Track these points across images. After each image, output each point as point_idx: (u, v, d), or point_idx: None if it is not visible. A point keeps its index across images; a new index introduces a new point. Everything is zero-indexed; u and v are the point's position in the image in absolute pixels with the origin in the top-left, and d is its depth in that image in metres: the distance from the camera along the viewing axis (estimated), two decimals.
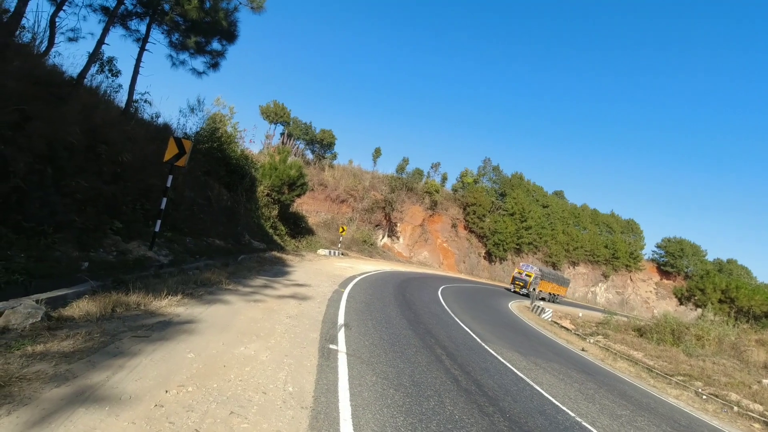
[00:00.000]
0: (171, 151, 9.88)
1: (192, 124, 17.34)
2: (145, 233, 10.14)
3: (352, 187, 46.77)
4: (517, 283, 37.35)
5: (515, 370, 8.60)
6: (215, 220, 16.39)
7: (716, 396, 11.81)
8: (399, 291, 16.67)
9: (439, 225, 53.71)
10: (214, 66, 12.46)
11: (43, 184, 7.36)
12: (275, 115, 47.72)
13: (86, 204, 8.52)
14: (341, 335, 7.16)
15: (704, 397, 11.65)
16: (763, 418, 10.28)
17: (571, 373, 10.32)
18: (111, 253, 8.76)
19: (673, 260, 64.30)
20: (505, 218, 54.32)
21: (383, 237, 48.25)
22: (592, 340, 18.02)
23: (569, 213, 63.85)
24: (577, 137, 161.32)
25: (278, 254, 18.93)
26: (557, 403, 7.06)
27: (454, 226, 54.67)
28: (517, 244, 54.88)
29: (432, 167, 58.31)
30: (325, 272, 16.47)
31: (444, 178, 58.21)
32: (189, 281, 7.97)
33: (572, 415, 6.60)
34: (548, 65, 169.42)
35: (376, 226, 47.35)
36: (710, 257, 64.73)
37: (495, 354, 9.70)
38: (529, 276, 37.13)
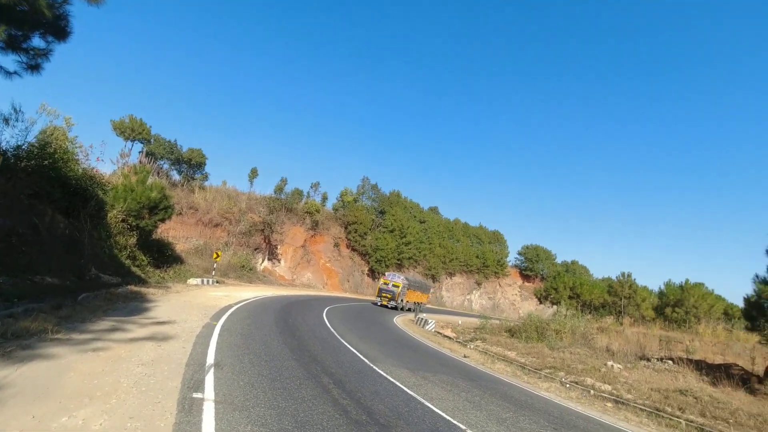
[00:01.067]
0: None
1: (10, 138, 14.05)
2: None
3: (227, 210, 43.44)
4: (384, 295, 34.13)
5: (406, 389, 8.38)
6: (47, 253, 13.35)
7: (576, 383, 13.23)
8: (281, 317, 15.54)
9: (321, 245, 52.96)
10: (34, 68, 10.11)
11: None
12: (132, 131, 42.14)
13: None
14: (210, 378, 6.07)
15: (567, 385, 12.97)
16: (612, 397, 11.78)
17: (458, 382, 10.53)
18: None
19: (532, 265, 73.45)
20: (385, 235, 56.01)
21: (263, 261, 45.65)
22: (472, 346, 19.07)
23: (444, 227, 68.71)
24: (448, 155, 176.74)
25: (136, 288, 16.22)
26: (448, 417, 6.96)
27: (336, 245, 54.46)
28: (398, 260, 56.92)
29: (312, 187, 57.53)
30: (195, 304, 14.53)
31: (324, 198, 57.87)
32: None
33: (463, 428, 6.53)
34: (415, 84, 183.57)
35: (255, 249, 44.62)
36: (559, 260, 75.55)
37: (384, 374, 9.39)
38: (397, 286, 34.31)
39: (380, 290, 34.70)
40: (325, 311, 21.60)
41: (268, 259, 46.18)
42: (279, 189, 50.88)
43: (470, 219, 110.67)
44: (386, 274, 37.54)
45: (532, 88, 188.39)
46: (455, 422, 6.75)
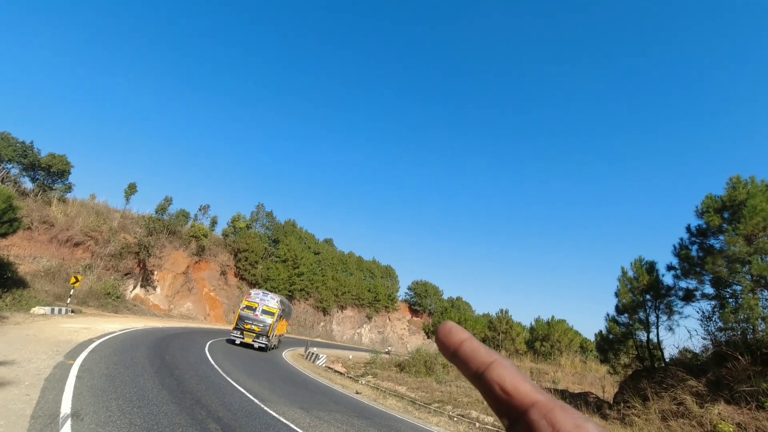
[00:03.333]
0: None
1: None
2: None
3: (93, 228, 37.71)
4: (249, 327, 23.14)
5: (300, 431, 7.80)
6: None
7: (463, 416, 13.76)
8: (156, 353, 13.62)
9: (206, 272, 48.70)
10: None
11: None
12: None
13: None
14: None
15: (455, 419, 13.41)
16: (495, 429, 12.45)
17: (353, 421, 10.18)
18: None
19: (420, 300, 76.51)
20: (278, 265, 53.81)
21: (135, 288, 40.21)
22: (363, 381, 18.81)
23: (338, 260, 68.53)
24: (343, 190, 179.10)
25: None
26: None
27: (223, 273, 50.59)
28: (290, 291, 54.85)
29: (200, 210, 53.28)
30: (43, 339, 11.98)
31: (214, 222, 53.85)
32: None
33: None
34: (314, 119, 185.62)
35: (127, 274, 39.17)
36: (446, 296, 80.00)
37: (277, 416, 8.67)
38: (271, 314, 23.70)
39: (242, 319, 23.18)
40: (207, 345, 19.59)
41: (142, 286, 40.88)
42: (162, 209, 46.08)
43: (364, 253, 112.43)
44: (252, 292, 24.94)
45: (428, 134, 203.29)
46: None
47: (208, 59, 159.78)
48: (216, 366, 14.01)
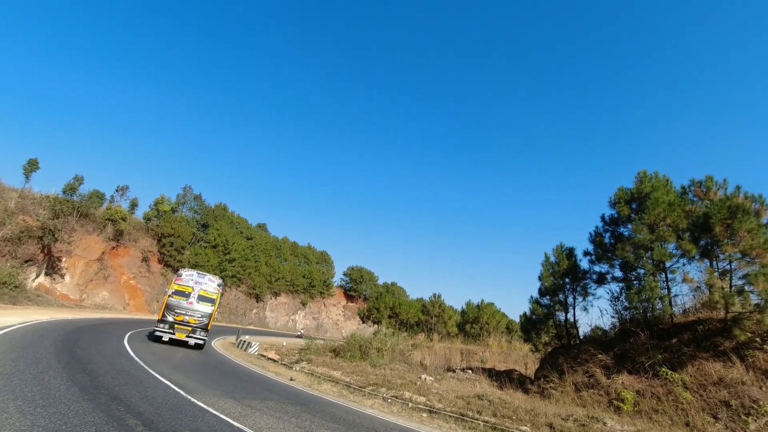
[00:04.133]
0: None
1: None
2: None
3: None
4: (181, 319, 18.40)
5: (231, 421, 7.49)
6: None
7: (396, 397, 14.07)
8: (64, 347, 12.34)
9: (125, 258, 45.02)
10: None
11: None
12: None
13: None
14: None
15: (389, 400, 13.68)
16: (427, 408, 12.90)
17: (287, 407, 9.99)
18: None
19: (356, 285, 76.92)
20: (207, 250, 51.18)
21: (38, 276, 36.13)
22: (298, 368, 18.57)
23: (272, 245, 66.66)
24: (277, 171, 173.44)
25: None
26: None
27: (145, 259, 47.12)
28: (221, 277, 52.46)
29: (118, 191, 48.94)
30: None
31: (134, 205, 49.77)
32: None
33: None
34: (243, 96, 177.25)
35: (27, 261, 35.00)
36: (381, 281, 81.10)
37: (205, 407, 8.25)
38: (210, 300, 19.26)
39: (171, 308, 18.40)
40: (126, 337, 18.19)
41: (46, 274, 36.85)
42: (71, 189, 41.65)
43: (299, 238, 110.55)
44: (183, 274, 19.63)
45: (364, 111, 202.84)
46: None
47: (120, 22, 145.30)
48: (136, 358, 13.03)
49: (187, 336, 18.50)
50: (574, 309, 17.49)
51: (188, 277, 19.53)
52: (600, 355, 14.55)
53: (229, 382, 12.33)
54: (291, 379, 15.74)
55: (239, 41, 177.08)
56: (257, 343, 24.74)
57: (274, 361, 20.36)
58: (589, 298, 17.24)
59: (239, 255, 55.59)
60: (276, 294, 63.94)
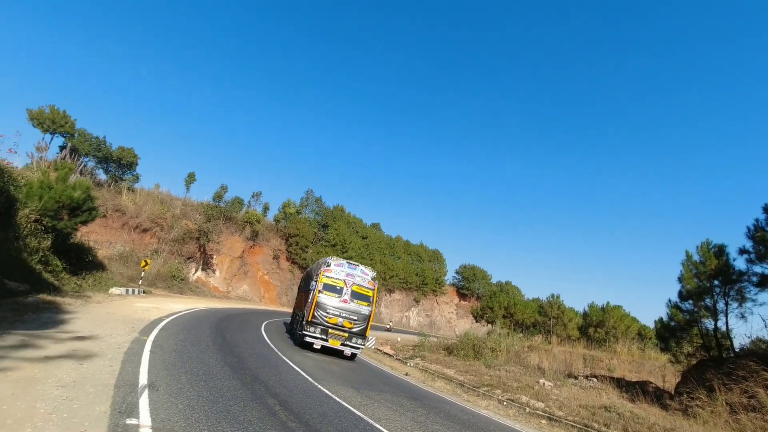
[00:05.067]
0: None
1: None
2: None
3: (158, 215, 40.61)
4: (337, 324, 15.39)
5: (353, 409, 8.14)
6: None
7: (512, 400, 13.67)
8: (217, 332, 14.61)
9: (260, 256, 51.10)
10: None
11: None
12: (53, 123, 38.25)
13: None
14: (144, 401, 5.48)
15: (505, 403, 13.36)
16: (546, 414, 12.29)
17: (402, 401, 10.45)
18: None
19: (468, 284, 75.91)
20: (327, 249, 55.27)
21: (197, 271, 43.04)
22: (412, 364, 19.13)
23: (385, 244, 69.24)
24: (390, 171, 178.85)
25: (50, 297, 14.47)
26: None
27: (276, 257, 52.84)
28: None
29: (253, 196, 55.60)
30: (120, 317, 13.23)
31: (266, 208, 56.14)
32: None
33: None
34: (361, 102, 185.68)
35: (189, 258, 42.00)
36: (494, 280, 78.75)
37: (330, 394, 9.08)
38: (366, 298, 16.09)
39: (322, 308, 15.33)
40: (263, 326, 20.69)
41: (202, 269, 43.67)
42: (218, 196, 48.66)
43: (411, 237, 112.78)
44: (331, 263, 16.54)
45: (476, 112, 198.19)
46: None
47: (245, 49, 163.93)
48: (272, 345, 14.80)
49: (342, 344, 15.33)
50: (726, 316, 14.91)
51: (338, 268, 16.12)
52: (765, 373, 12.22)
53: (349, 372, 13.29)
54: (406, 374, 16.32)
55: (349, 39, 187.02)
56: (374, 338, 26.05)
57: (390, 355, 21.25)
58: (748, 304, 14.52)
59: (355, 253, 58.94)
60: (390, 291, 66.28)
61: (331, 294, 15.62)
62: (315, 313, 15.21)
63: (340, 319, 15.38)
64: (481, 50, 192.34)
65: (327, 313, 15.32)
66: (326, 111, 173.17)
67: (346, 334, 15.45)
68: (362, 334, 15.81)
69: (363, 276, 16.41)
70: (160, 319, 14.22)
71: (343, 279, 15.91)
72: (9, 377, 5.45)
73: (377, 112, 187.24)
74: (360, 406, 8.64)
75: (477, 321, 43.55)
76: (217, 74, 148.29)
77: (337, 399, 8.76)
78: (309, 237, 54.16)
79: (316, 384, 9.79)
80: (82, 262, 24.37)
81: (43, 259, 19.64)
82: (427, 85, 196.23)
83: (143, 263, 28.47)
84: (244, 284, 47.19)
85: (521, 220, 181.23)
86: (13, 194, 17.30)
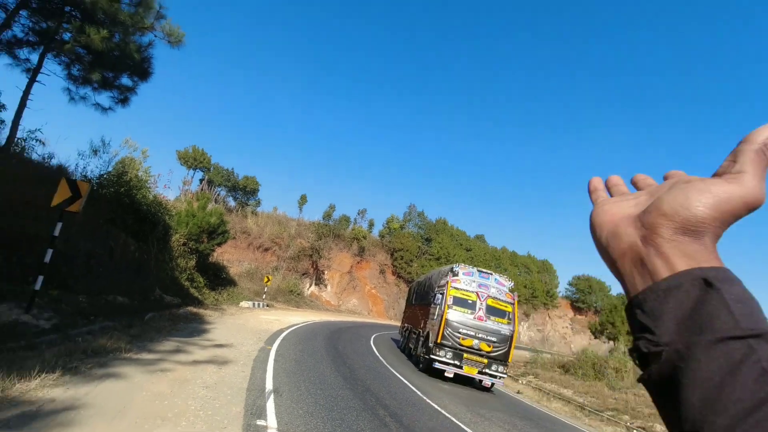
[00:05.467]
0: (62, 194, 8.38)
1: (95, 168, 15.43)
2: (23, 293, 8.30)
3: (276, 235, 44.94)
4: (473, 347, 12.82)
5: (463, 426, 8.01)
6: (118, 274, 14.27)
7: (644, 429, 12.12)
8: (330, 343, 15.54)
9: (367, 271, 53.16)
10: (123, 101, 11.26)
11: None
12: (194, 160, 45.18)
13: None
14: (270, 405, 6.10)
15: (635, 431, 11.90)
16: None
17: (515, 421, 9.95)
18: None
19: (584, 296, 69.56)
20: (431, 262, 55.35)
21: (310, 285, 46.41)
22: (524, 381, 18.11)
23: (491, 255, 66.95)
24: (494, 183, 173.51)
25: (195, 309, 16.91)
26: None
27: (382, 272, 54.47)
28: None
29: (359, 214, 58.41)
30: (249, 327, 14.90)
31: (371, 225, 58.50)
32: (75, 351, 6.46)
33: None
34: (463, 115, 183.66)
35: (303, 274, 45.54)
36: (614, 292, 71.04)
37: (440, 409, 9.05)
38: (507, 313, 13.67)
39: (451, 326, 12.91)
40: (372, 338, 21.41)
41: (315, 284, 46.89)
42: (327, 215, 52.10)
43: (518, 247, 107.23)
44: (459, 271, 14.25)
45: (575, 117, 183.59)
46: None
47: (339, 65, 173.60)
48: (381, 358, 15.25)
49: (479, 372, 12.74)
50: None
51: (467, 277, 13.68)
52: None
53: (458, 388, 13.06)
54: (518, 392, 15.51)
55: (445, 46, 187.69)
56: None
57: None
58: None
59: None
60: None
61: (462, 309, 13.04)
62: (444, 333, 12.67)
63: (476, 341, 12.72)
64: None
65: (459, 333, 12.72)
66: (426, 125, 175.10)
67: (485, 360, 12.78)
68: (504, 360, 13.05)
69: (498, 287, 13.90)
70: (281, 331, 15.63)
71: (474, 291, 13.37)
72: (168, 377, 6.52)
73: (477, 121, 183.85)
74: (470, 423, 8.45)
75: (596, 337, 39.53)
76: (322, 102, 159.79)
77: (447, 414, 8.69)
78: (413, 251, 54.91)
79: (425, 398, 9.84)
80: (219, 279, 27.96)
81: (189, 276, 23.00)
82: (512, 90, 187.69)
83: (266, 279, 31.60)
84: (353, 298, 49.45)
85: None
86: (167, 223, 20.65)
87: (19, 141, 11.71)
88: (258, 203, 50.19)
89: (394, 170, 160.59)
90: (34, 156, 13.00)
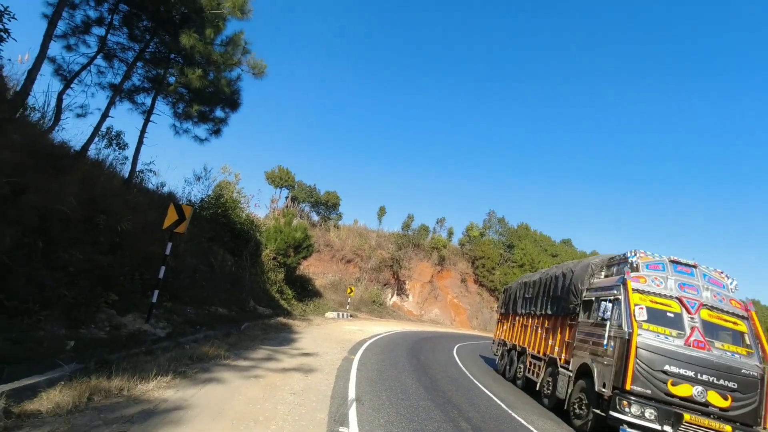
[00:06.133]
0: (171, 217, 9.60)
1: (197, 192, 17.42)
2: (143, 305, 9.59)
3: (358, 247, 46.37)
4: (691, 399, 7.06)
5: None
6: (218, 287, 15.82)
7: None
8: (412, 353, 15.59)
9: (448, 281, 52.48)
10: (216, 132, 12.63)
11: (31, 258, 6.97)
12: (280, 179, 48.63)
13: (79, 276, 8.06)
14: (353, 413, 6.34)
15: None
16: None
17: None
18: (103, 328, 8.18)
19: None
20: (514, 270, 53.04)
21: (392, 296, 46.99)
22: None
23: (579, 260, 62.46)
24: (579, 184, 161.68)
25: (284, 320, 18.08)
26: None
27: (463, 280, 53.40)
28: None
29: (437, 222, 58.07)
30: (333, 337, 15.55)
31: (450, 233, 57.79)
32: (183, 357, 7.30)
33: None
34: (544, 117, 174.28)
35: (385, 285, 46.30)
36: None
37: (526, 424, 8.63)
38: (742, 332, 7.96)
39: (648, 363, 7.30)
40: (455, 349, 21.05)
41: (397, 294, 47.39)
42: (406, 226, 52.60)
43: (608, 249, 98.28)
44: (637, 262, 8.69)
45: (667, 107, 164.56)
46: None
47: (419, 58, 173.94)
48: (463, 368, 14.95)
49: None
50: None
51: (656, 272, 8.65)
52: None
53: (545, 401, 12.34)
54: None
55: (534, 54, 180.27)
56: None
57: None
58: None
59: None
60: None
61: (661, 329, 7.76)
62: (637, 373, 7.36)
63: (699, 388, 7.23)
64: None
65: (666, 374, 7.32)
66: (502, 126, 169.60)
67: (718, 425, 7.07)
68: (752, 423, 7.27)
69: (715, 288, 8.49)
70: (364, 341, 16.06)
71: (675, 297, 8.21)
72: (260, 383, 7.07)
73: (558, 119, 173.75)
74: None
75: None
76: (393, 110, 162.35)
77: (534, 430, 8.27)
78: (495, 258, 53.15)
79: (509, 411, 9.46)
80: (305, 291, 29.55)
81: (279, 288, 24.65)
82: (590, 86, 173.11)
83: (349, 290, 32.70)
84: (435, 308, 49.08)
85: (758, 210, 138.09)
86: (258, 239, 22.44)
87: (138, 174, 13.64)
88: (339, 217, 52.32)
89: (471, 177, 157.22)
90: (150, 185, 15.05)
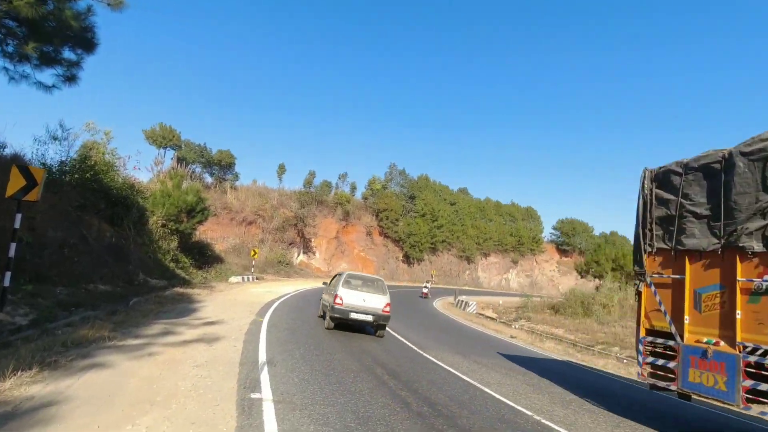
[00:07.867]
0: (15, 183, 7.77)
1: (55, 154, 14.55)
2: None
3: (259, 207, 44.18)
4: None
5: (462, 376, 8.11)
6: (98, 262, 13.77)
7: (633, 358, 12.60)
8: None
9: (354, 235, 53.19)
10: (71, 79, 10.33)
11: None
12: (163, 138, 43.35)
13: None
14: (265, 377, 5.98)
15: (625, 361, 12.38)
16: None
17: (512, 364, 10.20)
18: None
19: (568, 239, 71.49)
20: (417, 220, 55.61)
21: (299, 255, 46.33)
22: (517, 326, 18.63)
23: (475, 207, 67.57)
24: (472, 133, 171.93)
25: (182, 290, 16.62)
26: (511, 403, 6.65)
27: (369, 233, 54.59)
28: (432, 243, 56.56)
29: (340, 178, 57.66)
30: (239, 301, 14.74)
31: (353, 188, 57.91)
32: (54, 344, 6.17)
33: (530, 414, 6.21)
34: (440, 69, 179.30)
35: (290, 244, 45.30)
36: (597, 232, 73.10)
37: (437, 362, 9.15)
38: None
39: None
40: None
41: (304, 253, 46.82)
42: (308, 183, 51.28)
43: (501, 197, 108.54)
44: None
45: (560, 54, 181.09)
46: (519, 408, 6.44)
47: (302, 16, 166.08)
48: None
49: None
50: None
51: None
52: None
53: (454, 339, 13.32)
54: (512, 337, 15.92)
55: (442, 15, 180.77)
56: (474, 303, 25.81)
57: (493, 319, 20.91)
58: None
59: (446, 221, 58.48)
60: (486, 255, 64.98)
61: None
62: None
63: None
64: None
65: None
66: (399, 79, 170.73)
67: None
68: None
69: None
70: (272, 302, 15.54)
71: None
72: (157, 360, 6.31)
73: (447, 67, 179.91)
74: (468, 372, 8.58)
75: (583, 277, 40.90)
76: (287, 64, 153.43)
77: (445, 366, 8.80)
78: (398, 210, 54.91)
79: (422, 353, 9.94)
80: (205, 257, 27.50)
81: (174, 257, 22.50)
82: (488, 47, 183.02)
83: (252, 253, 31.30)
84: (342, 262, 49.69)
85: (623, 163, 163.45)
86: (142, 205, 19.91)
87: None
88: (236, 177, 48.92)
89: (371, 130, 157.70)
90: None
